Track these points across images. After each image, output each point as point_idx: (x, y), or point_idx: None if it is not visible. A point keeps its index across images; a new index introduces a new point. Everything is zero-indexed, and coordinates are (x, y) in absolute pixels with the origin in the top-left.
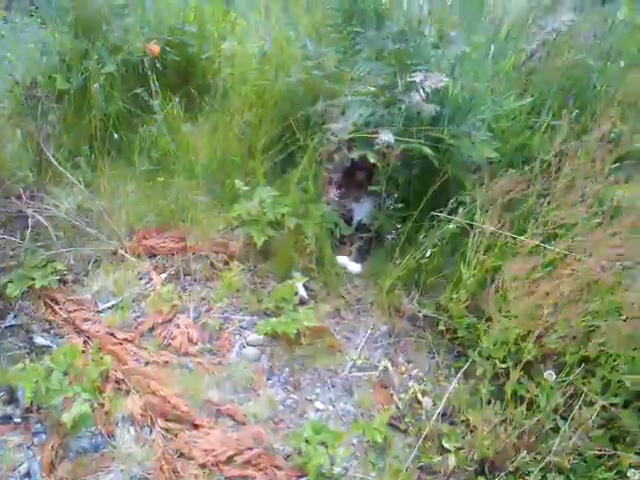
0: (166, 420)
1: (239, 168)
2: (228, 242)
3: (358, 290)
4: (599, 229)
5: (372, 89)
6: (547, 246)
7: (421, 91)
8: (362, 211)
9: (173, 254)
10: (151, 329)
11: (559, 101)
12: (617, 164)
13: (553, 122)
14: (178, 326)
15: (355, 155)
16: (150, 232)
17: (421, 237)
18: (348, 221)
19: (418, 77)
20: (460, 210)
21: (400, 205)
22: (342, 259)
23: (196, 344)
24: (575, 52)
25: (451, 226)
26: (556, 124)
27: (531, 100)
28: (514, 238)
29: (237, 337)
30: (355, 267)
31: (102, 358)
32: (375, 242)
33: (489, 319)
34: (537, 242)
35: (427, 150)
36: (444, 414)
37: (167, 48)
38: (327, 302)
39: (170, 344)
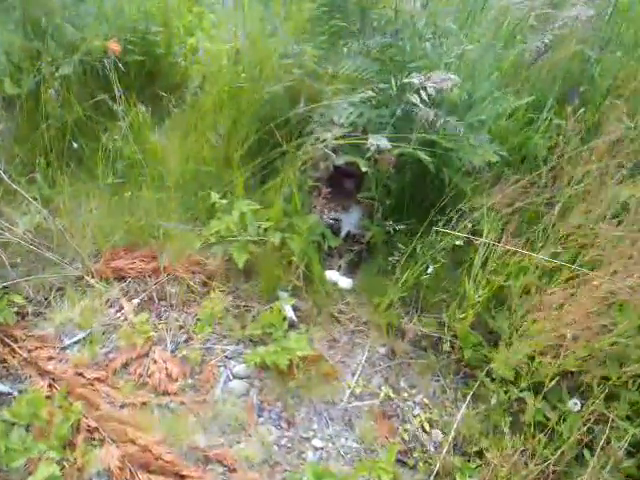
0: (148, 472)
1: (214, 178)
2: (205, 261)
3: (351, 308)
4: (623, 244)
5: (361, 91)
6: (564, 263)
7: (423, 93)
8: (351, 221)
9: (145, 276)
10: (125, 365)
11: (560, 96)
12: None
13: (556, 121)
14: (155, 361)
15: (342, 161)
16: (118, 252)
17: (418, 248)
18: (336, 232)
19: (417, 78)
20: (460, 219)
21: (393, 214)
22: (332, 274)
23: (176, 380)
24: (575, 43)
25: (458, 243)
26: (560, 123)
27: (533, 98)
28: (528, 255)
29: (222, 369)
30: (346, 282)
31: (71, 405)
32: (366, 254)
33: (498, 338)
34: (553, 260)
35: (423, 156)
36: (455, 444)
37: (129, 46)
38: (318, 324)
39: (147, 382)
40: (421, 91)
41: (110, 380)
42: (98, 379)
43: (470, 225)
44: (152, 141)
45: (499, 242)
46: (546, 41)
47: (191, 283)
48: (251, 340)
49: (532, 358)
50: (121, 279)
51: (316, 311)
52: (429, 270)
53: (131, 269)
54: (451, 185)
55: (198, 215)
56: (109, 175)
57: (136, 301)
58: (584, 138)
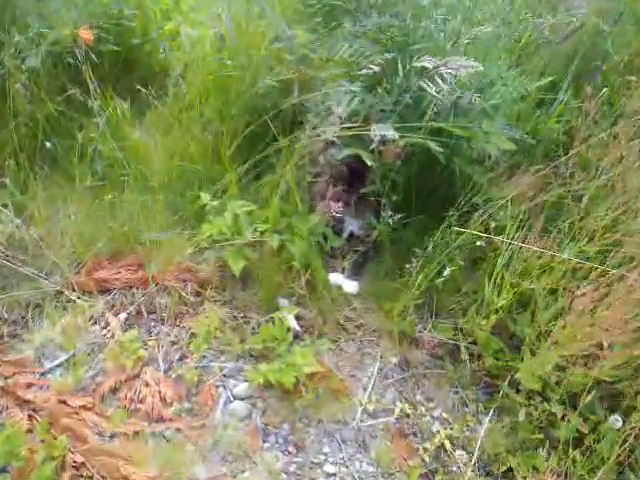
0: None
1: (203, 176)
2: (198, 267)
3: (358, 314)
4: None
5: (364, 66)
6: (594, 264)
7: (438, 80)
8: (354, 219)
9: (132, 288)
10: (113, 390)
11: (575, 77)
12: None
13: (574, 102)
14: (146, 383)
15: (344, 155)
16: (101, 262)
17: (430, 246)
18: (338, 232)
19: (429, 62)
20: (475, 214)
21: (400, 210)
22: (335, 277)
23: (171, 405)
24: (591, 17)
25: (479, 243)
26: (578, 105)
27: (552, 78)
28: (553, 255)
29: (220, 390)
30: (351, 286)
31: (55, 439)
32: (372, 253)
33: (520, 342)
34: (582, 259)
35: (434, 146)
36: (479, 463)
37: (102, 34)
38: (324, 333)
39: (139, 408)
40: (436, 77)
41: (97, 407)
42: (84, 407)
43: (488, 221)
44: (133, 138)
45: (524, 241)
46: (579, 16)
47: (183, 293)
48: (252, 355)
49: (562, 367)
50: (105, 292)
51: (321, 319)
52: (445, 273)
53: (116, 280)
54: (463, 177)
55: (187, 217)
56: (87, 177)
57: (123, 316)
58: (600, 120)
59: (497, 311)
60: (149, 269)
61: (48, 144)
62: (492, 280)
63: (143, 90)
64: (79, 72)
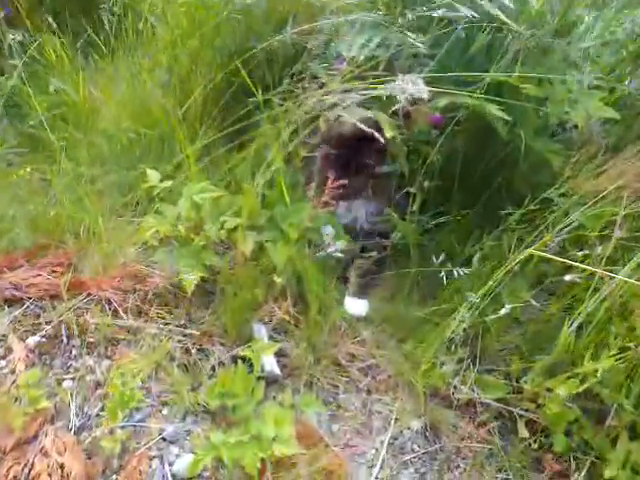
0: None
1: (168, 144)
2: (147, 271)
3: (366, 350)
4: None
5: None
6: None
7: None
8: (367, 212)
9: (53, 297)
10: None
11: None
12: None
13: None
14: (45, 451)
15: (355, 119)
16: (16, 259)
17: (475, 260)
18: (345, 229)
19: None
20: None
21: (434, 203)
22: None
23: None
24: None
25: (568, 278)
26: None
27: None
28: None
29: (155, 463)
30: (358, 306)
31: None
32: (390, 261)
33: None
34: None
35: (492, 109)
36: None
37: None
38: (314, 380)
39: None
40: None
41: None
42: None
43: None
44: (71, 89)
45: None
46: None
47: (120, 310)
48: (206, 411)
49: None
50: (16, 302)
51: (312, 357)
52: (503, 311)
53: (32, 286)
54: (531, 158)
55: (140, 199)
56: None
57: (34, 340)
58: None
59: (584, 378)
60: (83, 270)
61: None
62: (574, 322)
63: (93, 19)
64: None
